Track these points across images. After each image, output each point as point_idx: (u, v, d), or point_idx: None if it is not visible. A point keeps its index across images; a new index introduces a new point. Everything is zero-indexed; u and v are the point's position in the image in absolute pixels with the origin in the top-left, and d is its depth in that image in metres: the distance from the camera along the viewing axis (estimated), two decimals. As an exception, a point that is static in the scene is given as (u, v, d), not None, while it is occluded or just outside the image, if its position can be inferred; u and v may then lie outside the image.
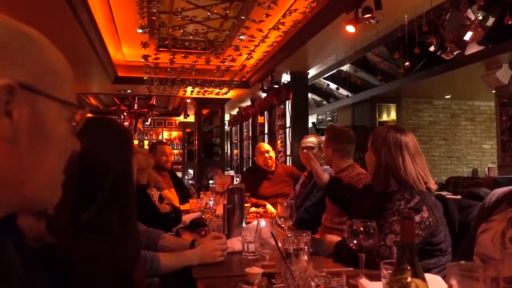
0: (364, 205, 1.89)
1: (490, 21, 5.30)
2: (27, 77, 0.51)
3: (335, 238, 1.84)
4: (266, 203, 3.63)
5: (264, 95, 8.13)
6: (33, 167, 0.52)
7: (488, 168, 8.50)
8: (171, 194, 3.52)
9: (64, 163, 0.58)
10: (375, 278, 1.32)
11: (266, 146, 4.17)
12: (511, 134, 5.83)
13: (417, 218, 1.63)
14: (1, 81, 0.48)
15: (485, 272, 0.69)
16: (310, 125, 8.54)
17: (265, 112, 8.87)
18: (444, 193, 5.11)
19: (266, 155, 4.01)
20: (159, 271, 1.59)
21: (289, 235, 1.53)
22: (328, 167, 3.01)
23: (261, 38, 5.37)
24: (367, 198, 1.92)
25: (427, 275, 1.01)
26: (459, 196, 4.21)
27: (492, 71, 5.82)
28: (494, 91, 6.22)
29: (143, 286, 1.27)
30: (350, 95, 9.05)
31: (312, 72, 7.41)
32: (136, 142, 12.93)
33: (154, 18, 4.50)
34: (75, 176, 1.02)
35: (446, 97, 8.94)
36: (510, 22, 3.74)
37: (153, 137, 13.82)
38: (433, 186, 1.81)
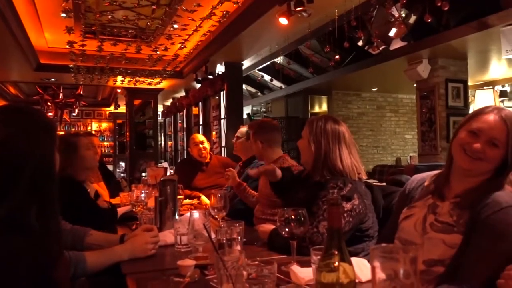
0: (298, 195, 1.92)
1: (412, 18, 5.64)
2: None
3: (268, 227, 1.87)
4: (200, 194, 3.60)
5: (198, 85, 8.02)
6: None
7: (410, 156, 9.12)
8: (101, 188, 3.37)
9: None
10: (306, 264, 1.35)
11: (200, 137, 4.13)
12: (430, 125, 6.27)
13: (348, 205, 1.70)
14: None
15: (405, 253, 0.73)
16: (245, 116, 8.58)
17: (200, 103, 8.76)
18: (371, 180, 5.38)
19: (201, 146, 3.97)
20: (86, 271, 1.50)
21: (222, 225, 1.52)
22: (262, 162, 3.05)
23: (194, 28, 5.27)
24: (301, 187, 1.96)
25: (354, 259, 1.05)
26: (384, 184, 4.46)
27: (414, 66, 6.20)
28: (415, 85, 6.64)
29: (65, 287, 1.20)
30: (283, 86, 9.22)
31: (246, 64, 7.43)
32: (62, 134, 12.21)
33: (80, 1, 4.23)
34: None
35: (373, 89, 9.41)
36: (429, 20, 4.00)
37: (81, 129, 13.13)
38: (364, 176, 1.90)
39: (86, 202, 2.38)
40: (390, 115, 9.86)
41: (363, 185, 1.85)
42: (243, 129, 3.45)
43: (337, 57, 5.74)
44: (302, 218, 1.43)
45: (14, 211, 0.96)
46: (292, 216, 1.43)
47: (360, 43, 6.51)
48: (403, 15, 5.65)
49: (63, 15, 4.54)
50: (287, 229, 1.44)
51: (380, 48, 6.22)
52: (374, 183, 4.55)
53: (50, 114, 10.68)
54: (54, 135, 1.12)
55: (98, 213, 2.38)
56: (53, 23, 5.37)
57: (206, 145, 4.03)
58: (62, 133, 12.06)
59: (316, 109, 9.50)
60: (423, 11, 4.69)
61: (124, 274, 1.47)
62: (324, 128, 1.85)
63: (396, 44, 6.10)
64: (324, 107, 9.39)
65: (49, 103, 10.49)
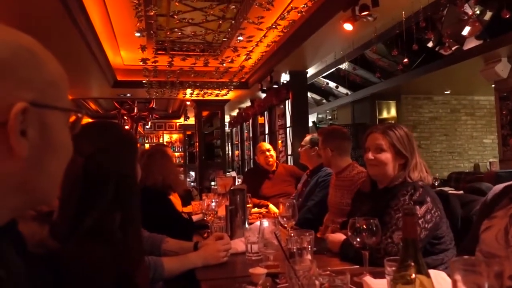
0: (363, 208, 1.88)
1: (488, 15, 5.29)
2: (35, 94, 0.52)
3: (337, 237, 1.84)
4: (268, 203, 3.63)
5: (263, 95, 8.13)
6: (39, 175, 0.54)
7: (490, 162, 8.49)
8: (174, 198, 3.53)
9: (64, 165, 0.60)
10: (379, 275, 1.31)
11: (266, 145, 4.20)
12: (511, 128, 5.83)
13: (422, 209, 1.64)
14: (17, 106, 0.49)
15: (489, 267, 0.69)
16: (310, 124, 8.53)
17: (265, 113, 8.87)
18: (446, 188, 5.10)
19: (267, 153, 4.03)
20: (163, 276, 1.59)
21: (292, 234, 1.53)
22: (327, 168, 3.02)
23: (259, 39, 5.37)
24: (366, 200, 1.91)
25: (432, 271, 1.00)
26: (461, 192, 4.20)
27: (491, 65, 5.81)
28: (493, 85, 6.21)
29: None
30: (349, 93, 9.05)
31: (311, 71, 7.41)
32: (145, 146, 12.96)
33: (152, 21, 4.49)
34: (79, 181, 1.02)
35: (446, 92, 8.93)
36: (507, 16, 3.73)
37: (154, 140, 13.82)
38: (431, 179, 1.83)
39: (171, 212, 2.51)
40: (465, 118, 9.28)
41: (432, 189, 1.79)
42: (307, 137, 3.44)
43: (405, 60, 5.52)
44: (374, 228, 1.40)
45: (99, 221, 1.03)
46: (364, 226, 1.41)
47: (430, 44, 6.23)
48: (477, 12, 5.33)
49: (137, 34, 4.85)
50: (358, 239, 1.41)
51: (453, 48, 5.91)
52: (450, 191, 4.31)
53: (126, 127, 11.40)
54: (136, 149, 1.21)
55: (181, 222, 2.50)
56: (128, 42, 5.76)
57: (273, 153, 4.08)
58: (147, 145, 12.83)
59: (385, 114, 9.20)
60: (499, 7, 4.38)
61: (199, 280, 1.53)
62: (405, 134, 1.83)
63: (471, 43, 5.75)
64: (393, 112, 9.07)
65: (125, 117, 11.21)
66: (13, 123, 0.49)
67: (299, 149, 3.49)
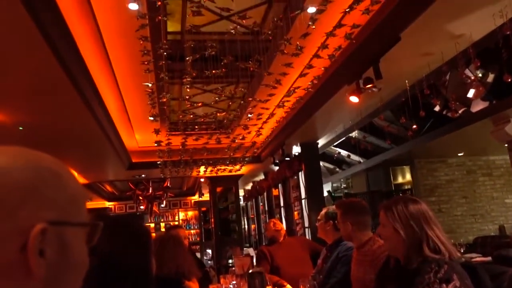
0: (388, 286, 1.81)
1: (490, 77, 5.41)
2: (56, 213, 0.53)
3: None
4: (286, 283, 3.52)
5: (276, 168, 8.18)
6: None
7: (515, 224, 8.19)
8: (192, 283, 3.44)
9: (81, 280, 0.59)
10: None
11: (274, 220, 4.33)
12: (533, 187, 5.69)
13: (449, 287, 1.56)
14: (38, 226, 0.50)
15: None
16: (325, 194, 8.46)
17: (279, 185, 8.85)
18: (473, 255, 4.89)
19: (273, 227, 4.12)
20: None
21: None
22: (347, 242, 2.95)
23: (267, 116, 5.53)
24: (390, 277, 1.84)
25: None
26: (489, 258, 4.02)
27: (501, 127, 5.81)
28: (506, 145, 6.17)
29: None
30: (362, 160, 9.05)
31: (322, 141, 7.50)
32: (152, 225, 12.86)
33: (165, 107, 4.69)
34: (95, 282, 1.01)
35: (459, 154, 8.87)
36: (509, 80, 3.81)
37: (169, 219, 13.74)
38: (456, 253, 1.75)
39: None
40: (483, 179, 9.11)
41: (458, 264, 1.70)
42: (323, 211, 3.40)
43: (414, 126, 5.59)
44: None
45: None
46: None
47: (437, 109, 6.32)
48: (480, 75, 5.45)
49: (151, 118, 5.04)
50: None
51: (460, 111, 5.97)
52: (477, 257, 4.11)
53: (141, 207, 11.42)
54: (151, 244, 1.21)
55: None
56: (142, 126, 5.98)
57: (279, 226, 4.15)
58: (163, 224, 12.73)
59: (400, 180, 9.10)
60: (500, 70, 4.50)
61: None
62: (407, 210, 1.77)
63: (478, 105, 5.82)
64: (408, 177, 8.98)
65: (140, 197, 11.26)
66: (32, 244, 0.49)
67: (317, 223, 3.45)
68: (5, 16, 2.61)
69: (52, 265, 0.51)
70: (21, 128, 4.67)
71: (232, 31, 3.22)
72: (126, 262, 1.08)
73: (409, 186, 8.95)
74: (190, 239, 12.92)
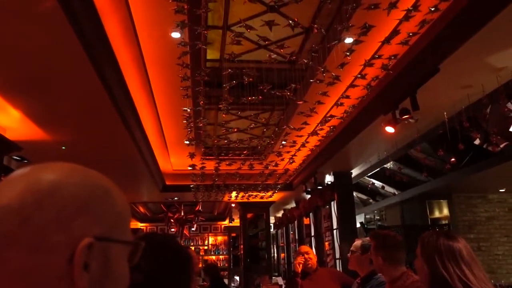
0: None
1: (534, 112, 5.21)
2: (103, 229, 0.55)
3: None
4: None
5: (308, 196, 8.09)
6: None
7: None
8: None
9: None
10: None
11: (305, 248, 4.14)
12: None
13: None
14: (85, 240, 0.52)
15: None
16: (358, 225, 8.26)
17: (311, 214, 8.73)
18: (516, 298, 4.61)
19: (306, 256, 3.93)
20: None
21: None
22: (380, 275, 2.85)
23: (301, 143, 5.53)
24: None
25: None
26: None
27: (546, 162, 5.56)
28: (552, 182, 5.87)
29: None
30: (397, 192, 8.82)
31: (355, 171, 7.39)
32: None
33: (201, 131, 4.79)
34: None
35: (501, 190, 8.50)
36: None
37: (199, 243, 13.75)
38: None
39: None
40: (526, 217, 8.65)
41: None
42: (358, 242, 3.32)
43: (453, 159, 5.42)
44: None
45: None
46: None
47: (477, 142, 6.12)
48: (523, 109, 5.26)
49: (187, 142, 5.15)
50: None
51: (501, 146, 5.76)
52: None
53: (172, 230, 11.50)
54: (192, 266, 1.20)
55: None
56: (177, 150, 6.11)
57: (312, 256, 3.99)
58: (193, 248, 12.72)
59: (437, 214, 8.79)
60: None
61: None
62: (435, 245, 1.71)
63: (521, 140, 5.61)
64: (445, 212, 8.65)
65: (171, 220, 11.37)
66: (78, 257, 0.51)
67: (349, 254, 3.35)
68: (55, 39, 2.78)
69: (95, 279, 0.53)
70: (64, 147, 4.87)
71: (270, 60, 3.29)
72: (168, 282, 1.09)
73: (446, 221, 8.61)
74: (219, 265, 12.86)
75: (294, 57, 3.56)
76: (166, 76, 3.92)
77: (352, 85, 3.85)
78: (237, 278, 12.25)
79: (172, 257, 1.16)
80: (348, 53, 3.19)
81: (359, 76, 3.67)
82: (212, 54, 3.84)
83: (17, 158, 5.03)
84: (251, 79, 3.45)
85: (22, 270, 0.50)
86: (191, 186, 7.60)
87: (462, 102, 4.35)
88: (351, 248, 3.29)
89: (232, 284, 12.07)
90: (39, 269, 0.50)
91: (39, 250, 0.51)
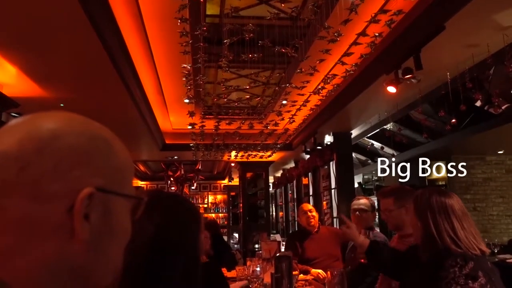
0: (413, 274, 1.79)
1: (538, 73, 5.14)
2: (103, 180, 0.54)
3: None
4: (310, 269, 3.53)
5: (307, 156, 8.13)
6: (98, 259, 0.54)
7: (555, 226, 7.84)
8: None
9: (122, 250, 0.60)
10: None
11: (308, 205, 4.23)
12: None
13: (476, 286, 1.52)
14: (85, 190, 0.51)
15: None
16: (356, 185, 8.35)
17: (309, 174, 8.81)
18: (507, 256, 4.74)
19: (309, 214, 4.00)
20: None
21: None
22: (378, 231, 2.91)
23: (302, 103, 5.48)
24: (415, 265, 1.82)
25: None
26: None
27: (547, 125, 5.55)
28: (551, 145, 5.88)
29: None
30: (396, 153, 8.86)
31: (355, 132, 7.38)
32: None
33: (200, 89, 4.74)
34: (147, 250, 1.01)
35: (499, 152, 8.54)
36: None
37: (199, 201, 13.98)
38: (486, 249, 1.69)
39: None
40: (523, 179, 8.74)
41: (487, 261, 1.65)
42: (366, 201, 3.30)
43: (453, 120, 5.40)
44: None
45: None
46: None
47: (478, 104, 6.08)
48: (527, 71, 5.19)
49: (186, 100, 5.10)
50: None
51: (503, 107, 5.72)
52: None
53: (172, 188, 11.66)
54: (202, 223, 1.20)
55: None
56: (177, 108, 6.07)
57: (314, 213, 4.05)
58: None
59: (434, 175, 8.86)
60: (551, 66, 4.26)
61: None
62: (428, 201, 1.74)
63: (522, 102, 5.57)
64: (443, 173, 8.72)
65: (171, 178, 11.50)
66: (78, 207, 0.51)
67: (358, 213, 3.28)
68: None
69: (95, 230, 0.53)
70: (62, 105, 4.84)
71: (271, 15, 3.20)
72: (180, 237, 1.09)
73: (444, 182, 8.71)
74: (219, 222, 13.14)
75: (296, 14, 3.46)
76: (165, 32, 3.83)
77: (355, 43, 3.76)
78: (236, 235, 12.56)
79: (183, 210, 1.17)
80: (354, 9, 3.08)
81: (362, 33, 3.58)
82: (211, 9, 3.73)
83: (15, 114, 5.01)
84: (251, 36, 3.37)
85: (21, 218, 0.50)
86: (191, 145, 7.62)
87: (466, 62, 4.27)
88: (362, 207, 3.27)
89: (231, 241, 12.38)
90: (38, 217, 0.50)
91: (38, 198, 0.50)
